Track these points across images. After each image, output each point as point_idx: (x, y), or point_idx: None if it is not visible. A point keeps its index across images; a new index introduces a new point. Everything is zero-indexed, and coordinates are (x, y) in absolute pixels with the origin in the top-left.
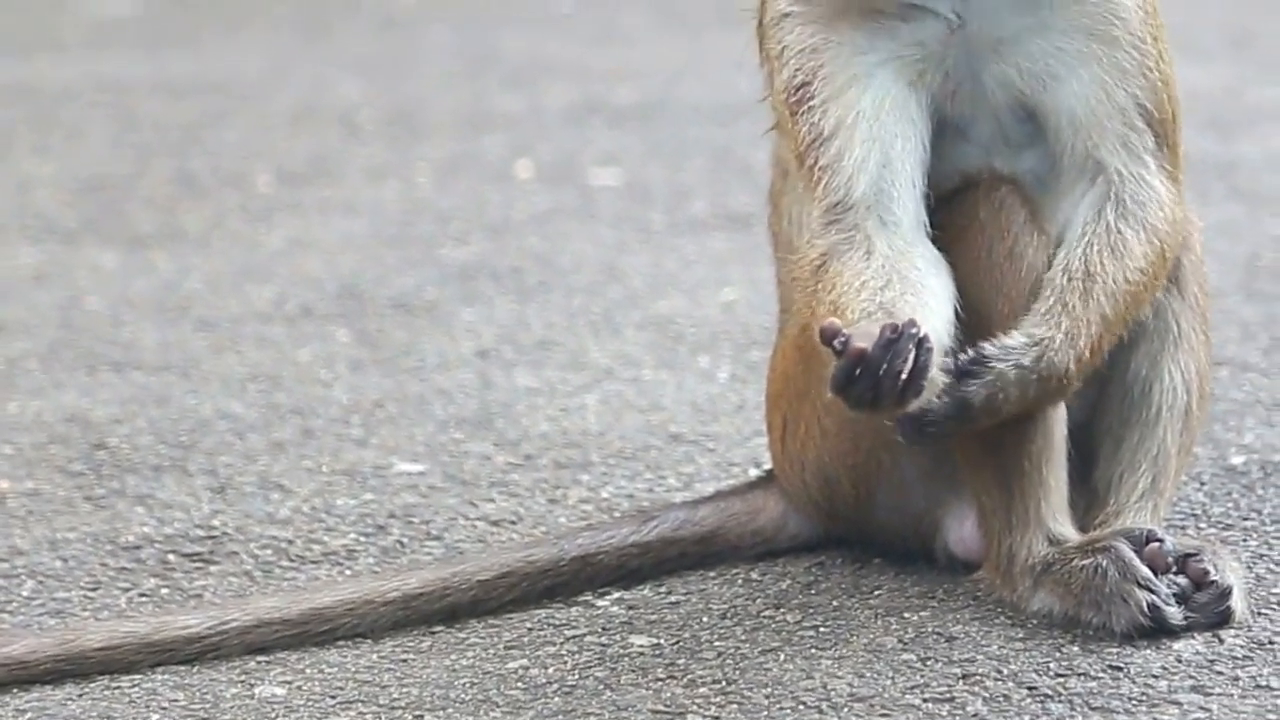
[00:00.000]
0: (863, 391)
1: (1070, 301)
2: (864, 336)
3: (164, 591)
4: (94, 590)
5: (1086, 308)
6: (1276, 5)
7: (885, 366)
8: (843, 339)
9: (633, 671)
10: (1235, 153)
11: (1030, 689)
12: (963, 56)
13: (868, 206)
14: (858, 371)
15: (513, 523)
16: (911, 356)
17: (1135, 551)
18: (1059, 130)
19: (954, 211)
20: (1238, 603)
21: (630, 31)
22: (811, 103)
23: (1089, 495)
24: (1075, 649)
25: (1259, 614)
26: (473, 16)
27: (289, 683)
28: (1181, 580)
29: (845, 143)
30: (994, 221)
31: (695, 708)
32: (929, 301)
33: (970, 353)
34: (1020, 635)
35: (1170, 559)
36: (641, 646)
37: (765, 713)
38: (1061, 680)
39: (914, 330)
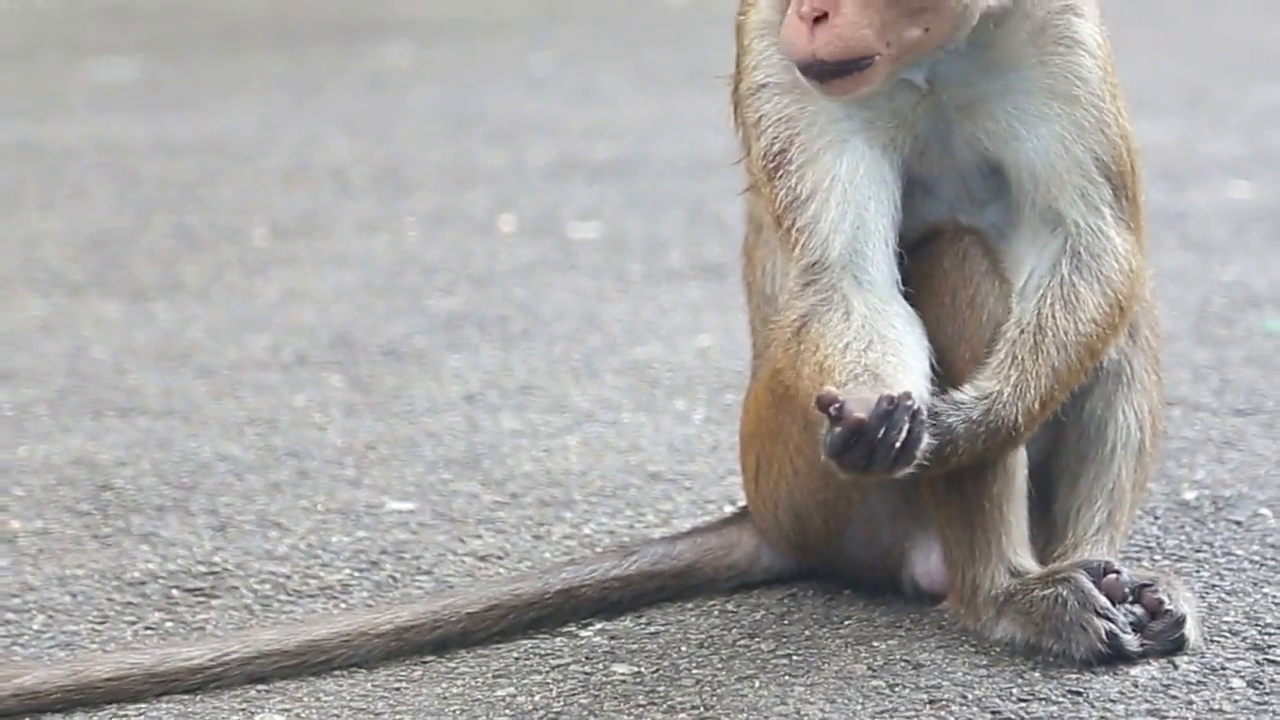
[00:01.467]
0: (857, 458)
1: (1020, 355)
2: (861, 405)
3: (168, 625)
4: (101, 624)
5: (1036, 361)
6: (1226, 65)
7: (881, 436)
8: (838, 406)
9: (615, 699)
10: (1186, 203)
11: (994, 713)
12: (932, 121)
13: (843, 266)
14: (854, 440)
15: (499, 558)
16: (906, 428)
17: (1093, 582)
18: (1020, 184)
19: (919, 261)
20: (1191, 631)
21: (607, 91)
22: (789, 168)
23: (1048, 529)
24: (1037, 675)
25: (1211, 641)
26: (457, 77)
27: (288, 710)
28: (1137, 609)
29: (821, 206)
30: (958, 271)
31: None
32: (908, 360)
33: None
34: (984, 662)
35: (1127, 589)
36: (623, 675)
37: None
38: (1024, 705)
39: (909, 403)
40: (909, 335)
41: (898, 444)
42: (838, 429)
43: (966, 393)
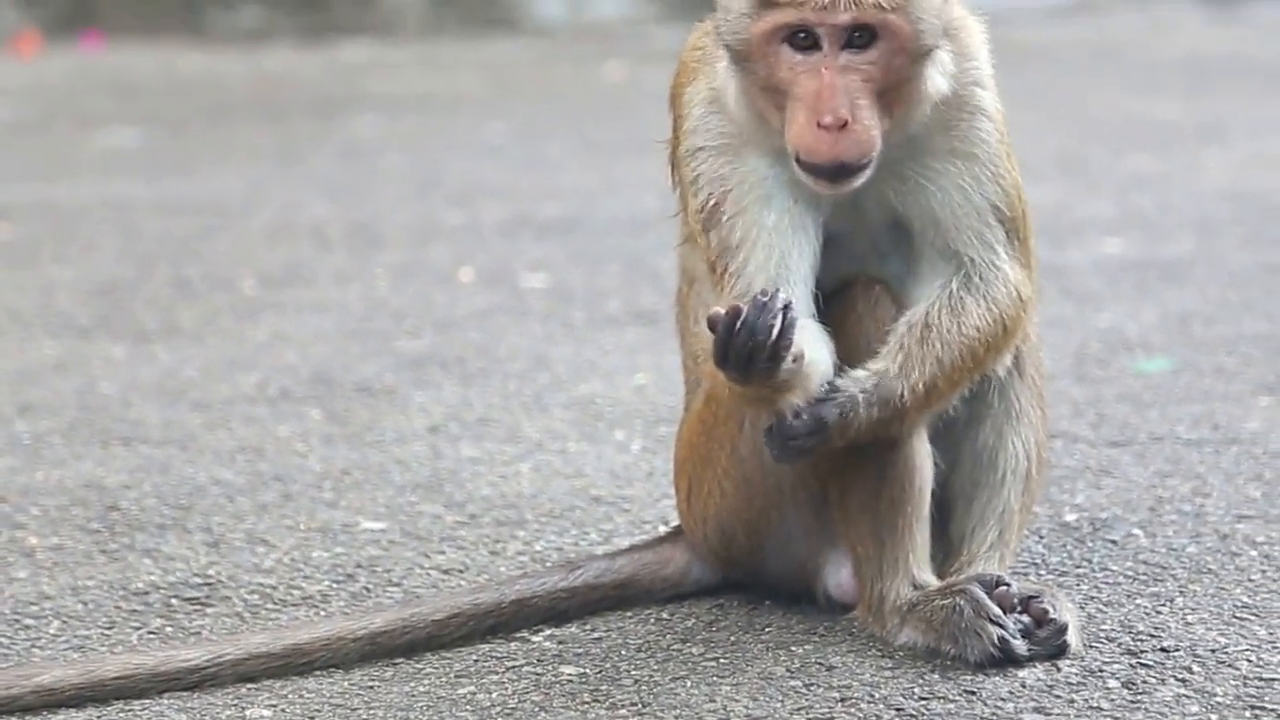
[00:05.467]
0: (740, 347)
1: (908, 344)
2: (741, 302)
3: (168, 630)
4: (110, 629)
5: (921, 349)
6: (1100, 136)
7: (758, 322)
8: (718, 311)
9: (563, 696)
10: (1065, 258)
11: (898, 710)
12: None
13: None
14: (737, 328)
15: (460, 571)
16: (780, 318)
17: (986, 594)
18: (924, 231)
19: (834, 307)
20: (1073, 637)
21: (554, 158)
22: (722, 219)
23: (946, 547)
24: (936, 676)
25: (1090, 647)
26: (421, 146)
27: (274, 706)
28: (1025, 618)
29: (750, 251)
30: (871, 314)
31: None
32: (821, 354)
33: (825, 384)
34: (890, 665)
35: (1015, 600)
36: (570, 675)
37: None
38: (924, 703)
39: (781, 295)
40: (822, 347)
41: (775, 328)
42: (724, 320)
43: (859, 371)
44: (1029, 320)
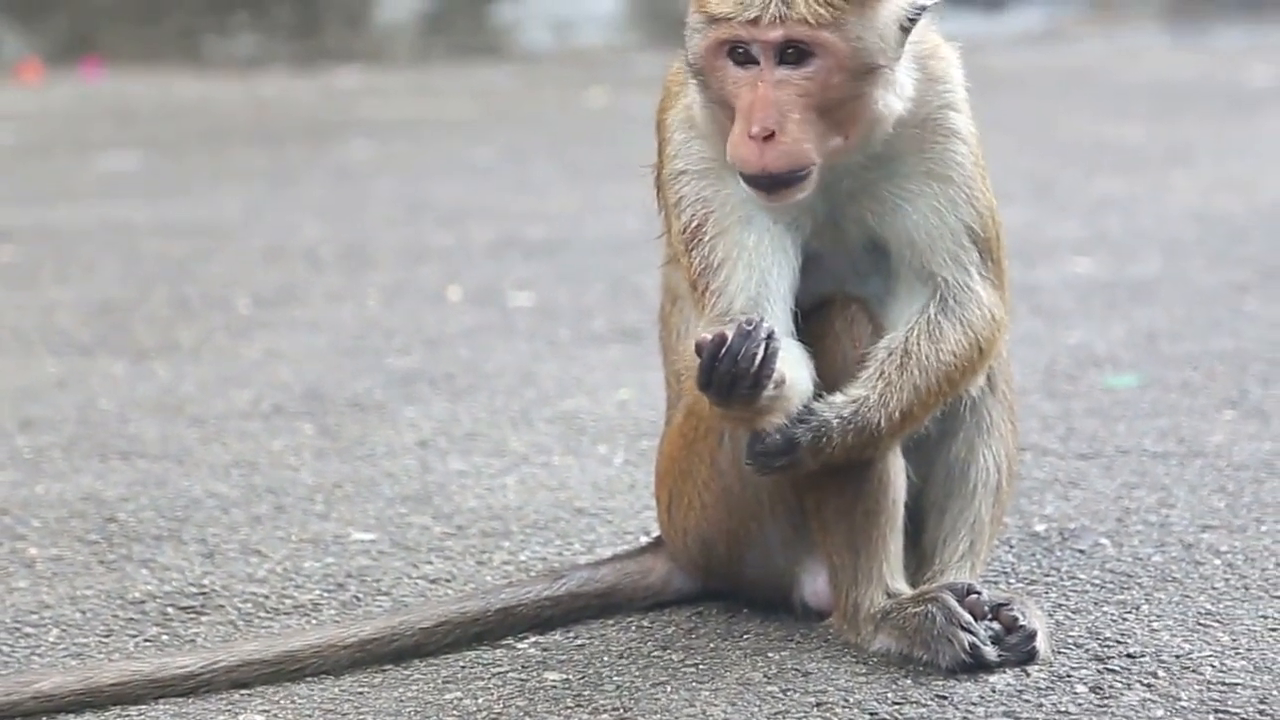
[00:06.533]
0: (724, 373)
1: (887, 371)
2: (725, 329)
3: (164, 638)
4: (107, 637)
5: (900, 377)
6: (1069, 160)
7: (742, 350)
8: (704, 338)
9: (547, 701)
10: (1036, 278)
11: (872, 714)
12: (826, 206)
13: (746, 313)
14: (721, 355)
15: (448, 581)
16: (763, 346)
17: (958, 601)
18: (900, 252)
19: (812, 325)
20: (1042, 644)
21: (540, 181)
22: (704, 240)
23: (919, 556)
24: (909, 682)
25: (1058, 653)
26: (411, 169)
27: (267, 711)
28: (996, 625)
29: (730, 271)
30: (848, 333)
31: None
32: (799, 372)
33: (803, 406)
34: (864, 670)
35: (986, 607)
36: (554, 681)
37: None
38: (898, 707)
39: (765, 324)
40: (802, 368)
41: (758, 357)
42: (708, 347)
43: (838, 396)
44: (1002, 340)
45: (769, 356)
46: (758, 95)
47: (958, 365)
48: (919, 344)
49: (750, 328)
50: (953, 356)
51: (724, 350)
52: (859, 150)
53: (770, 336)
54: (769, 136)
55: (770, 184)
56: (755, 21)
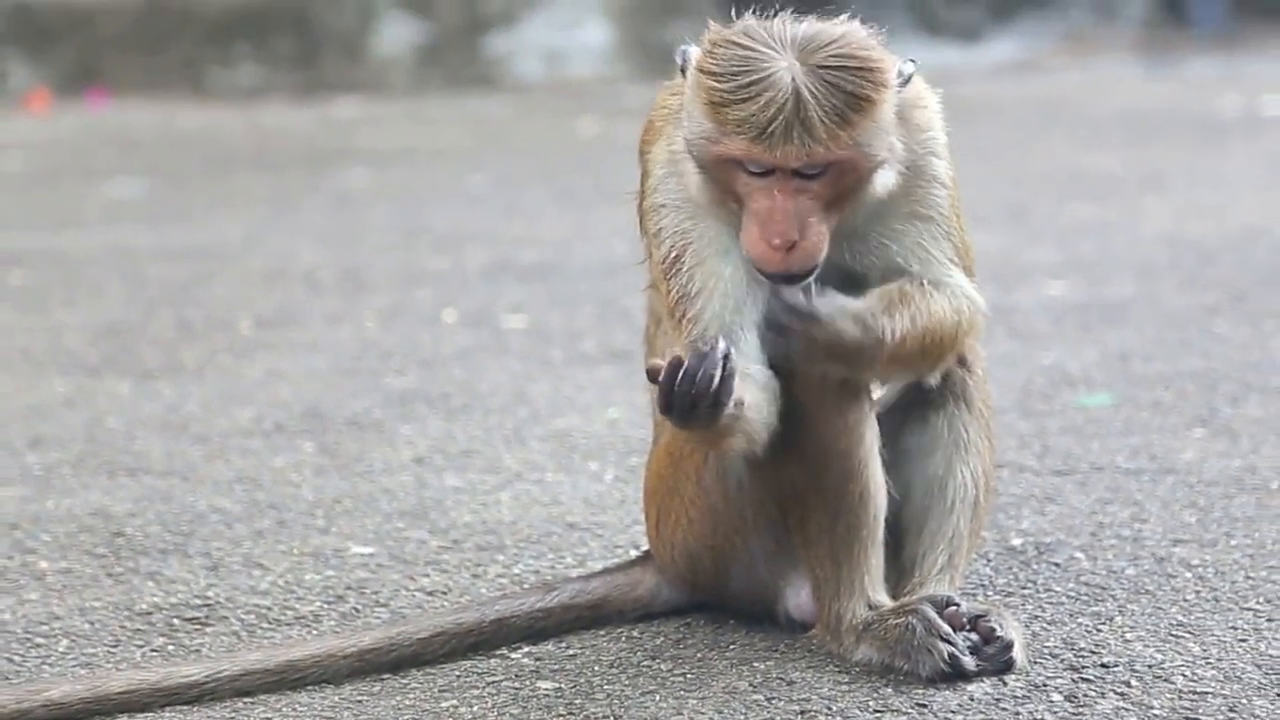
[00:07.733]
0: (683, 395)
1: (889, 295)
2: (682, 352)
3: (170, 648)
4: (115, 647)
5: (901, 307)
6: (1044, 186)
7: (700, 372)
8: (664, 360)
9: (540, 710)
10: (1012, 300)
11: None
12: None
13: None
14: (680, 378)
15: (444, 593)
16: (720, 367)
17: (937, 613)
18: (880, 279)
19: None
20: (1019, 654)
21: (532, 208)
22: (682, 270)
23: (899, 570)
24: (890, 691)
25: (1034, 663)
26: (407, 196)
27: (269, 719)
28: (974, 636)
29: (707, 299)
30: None
31: None
32: (758, 386)
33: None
34: (846, 680)
35: (965, 619)
36: (547, 690)
37: None
38: (879, 715)
39: (722, 345)
40: (766, 390)
41: (715, 378)
42: (665, 371)
43: (842, 297)
44: (980, 332)
45: (726, 377)
46: (776, 206)
47: (946, 322)
48: (913, 290)
49: (708, 349)
50: (941, 312)
51: (682, 373)
52: (852, 219)
53: (727, 358)
54: (791, 247)
55: (786, 280)
56: (779, 149)
